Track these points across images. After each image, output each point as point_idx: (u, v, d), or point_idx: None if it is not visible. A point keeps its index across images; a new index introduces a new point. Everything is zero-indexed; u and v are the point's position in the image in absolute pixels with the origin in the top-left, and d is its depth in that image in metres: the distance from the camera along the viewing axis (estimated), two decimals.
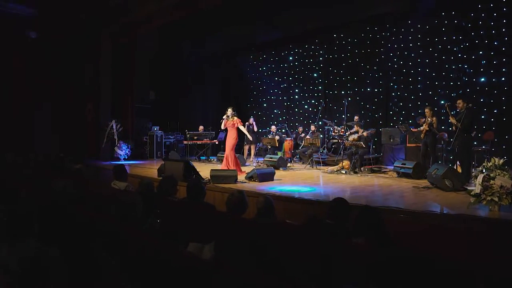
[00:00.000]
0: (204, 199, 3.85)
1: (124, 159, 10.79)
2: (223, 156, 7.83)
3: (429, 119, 7.28)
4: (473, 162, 6.86)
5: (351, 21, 10.45)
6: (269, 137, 10.32)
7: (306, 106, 12.53)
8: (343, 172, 8.19)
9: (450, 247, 3.56)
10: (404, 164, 7.29)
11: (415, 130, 8.07)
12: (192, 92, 13.42)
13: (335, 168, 8.62)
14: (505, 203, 4.07)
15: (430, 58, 9.64)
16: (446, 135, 7.98)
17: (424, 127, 7.32)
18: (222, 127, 7.83)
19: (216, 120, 12.23)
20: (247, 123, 10.44)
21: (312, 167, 9.09)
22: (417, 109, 9.69)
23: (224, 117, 7.74)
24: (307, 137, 9.98)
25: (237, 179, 6.50)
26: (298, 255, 2.19)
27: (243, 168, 7.97)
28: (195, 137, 11.27)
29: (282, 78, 13.08)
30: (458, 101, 6.53)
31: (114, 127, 10.86)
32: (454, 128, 6.53)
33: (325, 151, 10.56)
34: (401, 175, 7.23)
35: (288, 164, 9.33)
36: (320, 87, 12.15)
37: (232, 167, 7.28)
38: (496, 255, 3.41)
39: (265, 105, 13.68)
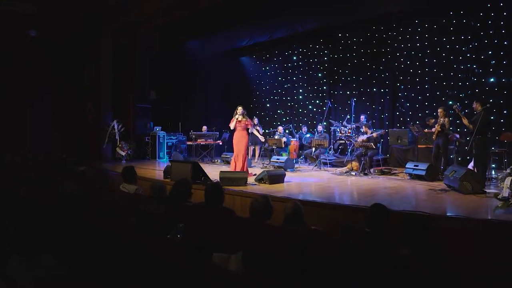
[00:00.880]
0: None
1: (126, 160, 10.56)
2: (228, 157, 7.60)
3: (441, 119, 7.11)
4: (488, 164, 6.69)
5: (356, 20, 10.22)
6: (276, 137, 10.13)
7: (310, 107, 12.34)
8: (353, 173, 8.02)
9: (497, 256, 3.34)
10: (417, 166, 7.11)
11: (427, 131, 7.90)
12: (193, 92, 13.19)
13: (344, 169, 8.45)
14: None
15: (438, 58, 9.49)
16: (458, 135, 7.82)
17: (437, 128, 7.15)
18: (232, 127, 7.31)
19: (217, 120, 12.10)
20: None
21: (320, 169, 8.91)
22: (425, 110, 9.55)
23: (237, 116, 7.21)
24: (315, 137, 9.81)
25: (247, 181, 6.31)
26: (343, 270, 2.00)
27: (249, 170, 7.76)
28: (199, 138, 11.06)
29: (286, 78, 12.89)
30: (475, 104, 6.31)
31: (115, 127, 10.61)
32: (469, 128, 6.32)
33: (332, 152, 10.39)
34: (414, 177, 7.06)
35: (295, 166, 9.14)
36: (324, 87, 11.97)
37: (243, 168, 7.08)
38: None
39: (268, 105, 13.48)
